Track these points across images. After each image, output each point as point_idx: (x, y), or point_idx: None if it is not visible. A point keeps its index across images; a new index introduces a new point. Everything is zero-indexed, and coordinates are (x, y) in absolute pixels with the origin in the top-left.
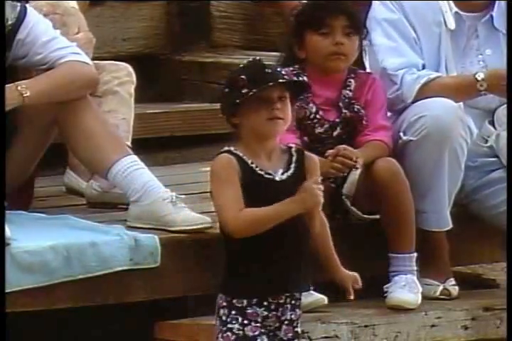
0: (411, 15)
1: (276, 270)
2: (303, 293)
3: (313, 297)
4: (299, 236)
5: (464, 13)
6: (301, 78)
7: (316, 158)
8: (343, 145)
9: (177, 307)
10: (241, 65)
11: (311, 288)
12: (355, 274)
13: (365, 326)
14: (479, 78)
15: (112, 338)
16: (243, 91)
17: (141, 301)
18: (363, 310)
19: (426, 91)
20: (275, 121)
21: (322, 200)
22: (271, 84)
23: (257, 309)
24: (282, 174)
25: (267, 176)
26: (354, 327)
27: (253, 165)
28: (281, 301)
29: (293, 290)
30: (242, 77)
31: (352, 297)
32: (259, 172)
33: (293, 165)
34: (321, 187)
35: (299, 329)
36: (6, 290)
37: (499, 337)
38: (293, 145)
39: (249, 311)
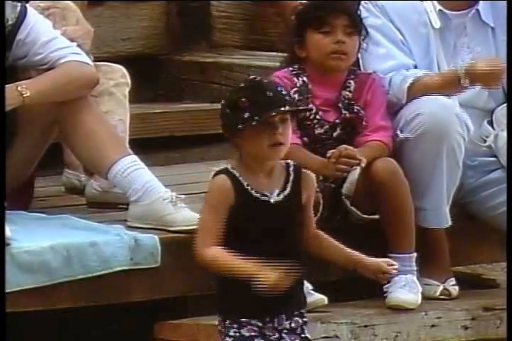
0: (396, 19)
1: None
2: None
3: (313, 297)
4: (293, 258)
5: (449, 11)
6: (301, 79)
7: (312, 176)
8: (344, 145)
9: (177, 307)
10: (241, 84)
11: (311, 287)
12: (380, 262)
13: (365, 326)
14: (460, 75)
15: (112, 338)
16: (245, 115)
17: (141, 301)
18: (363, 310)
19: (415, 90)
20: (276, 148)
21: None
22: (274, 113)
23: (251, 321)
24: (278, 195)
25: (262, 198)
26: (354, 327)
27: (248, 188)
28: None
29: (283, 311)
30: (243, 99)
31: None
32: (255, 194)
33: (289, 185)
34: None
35: (307, 335)
36: (6, 290)
37: (499, 337)
38: (291, 164)
39: (243, 320)
